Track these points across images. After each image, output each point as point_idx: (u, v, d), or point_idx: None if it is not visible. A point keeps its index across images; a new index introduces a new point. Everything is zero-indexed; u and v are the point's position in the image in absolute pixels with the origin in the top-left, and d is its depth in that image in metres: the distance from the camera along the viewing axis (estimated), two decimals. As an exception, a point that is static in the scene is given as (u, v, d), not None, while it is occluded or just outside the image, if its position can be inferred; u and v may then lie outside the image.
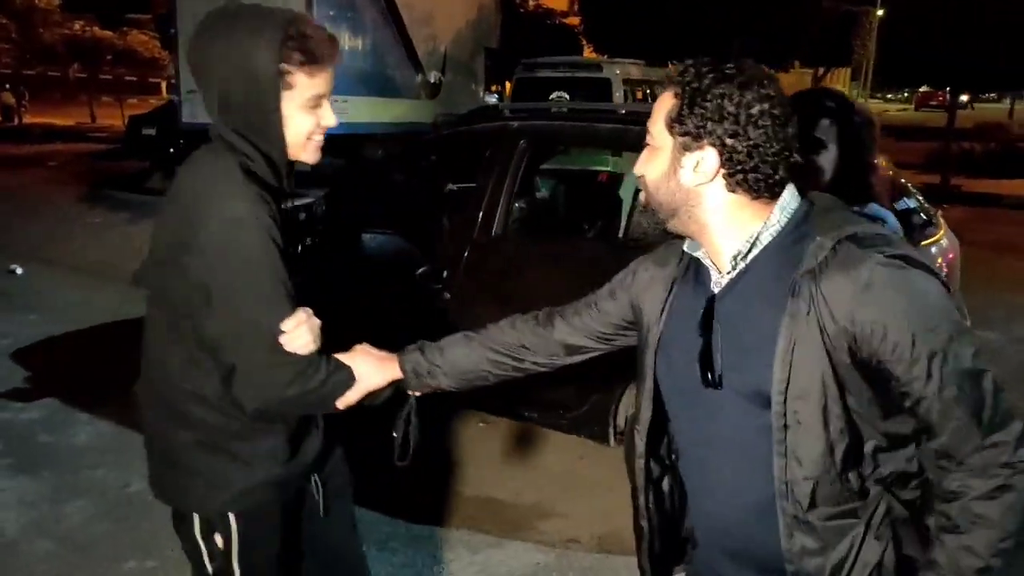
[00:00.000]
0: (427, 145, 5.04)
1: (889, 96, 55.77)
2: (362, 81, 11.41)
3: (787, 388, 1.29)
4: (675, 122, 1.34)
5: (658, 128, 1.39)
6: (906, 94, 44.13)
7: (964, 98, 25.24)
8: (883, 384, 1.28)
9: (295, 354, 1.58)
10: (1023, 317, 6.72)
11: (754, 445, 1.34)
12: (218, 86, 1.58)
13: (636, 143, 3.99)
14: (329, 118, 1.67)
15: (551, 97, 12.06)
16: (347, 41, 11.39)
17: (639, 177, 1.46)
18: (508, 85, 15.50)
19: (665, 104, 1.37)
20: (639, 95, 12.47)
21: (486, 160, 3.94)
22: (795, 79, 24.35)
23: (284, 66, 1.57)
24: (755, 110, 1.30)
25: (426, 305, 3.90)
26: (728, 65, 1.33)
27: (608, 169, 6.77)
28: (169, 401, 1.67)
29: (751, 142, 1.31)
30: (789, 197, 1.38)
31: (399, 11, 12.06)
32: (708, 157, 1.34)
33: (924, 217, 3.95)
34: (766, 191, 1.35)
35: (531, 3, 24.12)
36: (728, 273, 1.40)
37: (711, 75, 1.31)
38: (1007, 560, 1.25)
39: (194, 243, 1.53)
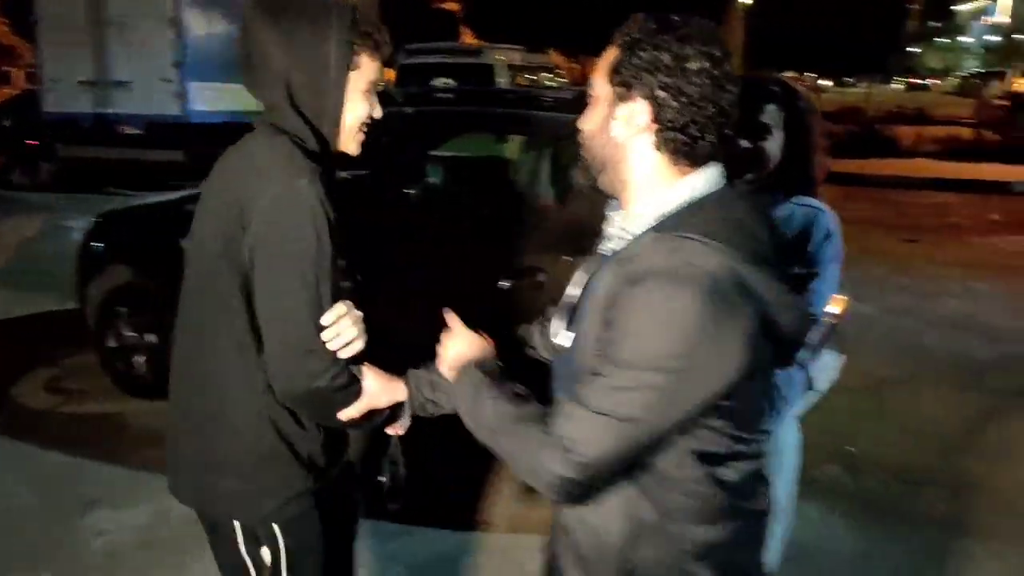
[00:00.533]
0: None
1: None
2: (237, 68, 11.03)
3: (579, 361, 1.32)
4: (614, 72, 1.31)
5: (599, 79, 1.35)
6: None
7: (828, 83, 26.68)
8: None
9: (328, 346, 1.54)
10: (892, 289, 7.17)
11: None
12: (282, 68, 1.55)
13: (531, 127, 4.06)
14: (378, 109, 1.65)
15: (433, 83, 12.04)
16: (219, 26, 11.01)
17: (580, 131, 1.42)
18: (388, 71, 15.25)
19: (607, 56, 1.34)
20: (521, 81, 12.59)
21: (381, 147, 3.88)
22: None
23: (356, 45, 1.57)
24: (691, 65, 1.25)
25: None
26: (674, 17, 1.28)
27: (498, 155, 6.79)
28: (217, 399, 1.60)
29: (684, 98, 1.26)
30: (701, 182, 1.32)
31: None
32: (639, 109, 1.29)
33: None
34: (686, 156, 1.30)
35: (409, -12, 23.89)
36: (618, 239, 1.38)
37: (653, 26, 1.28)
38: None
39: (248, 217, 1.50)
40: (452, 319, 1.61)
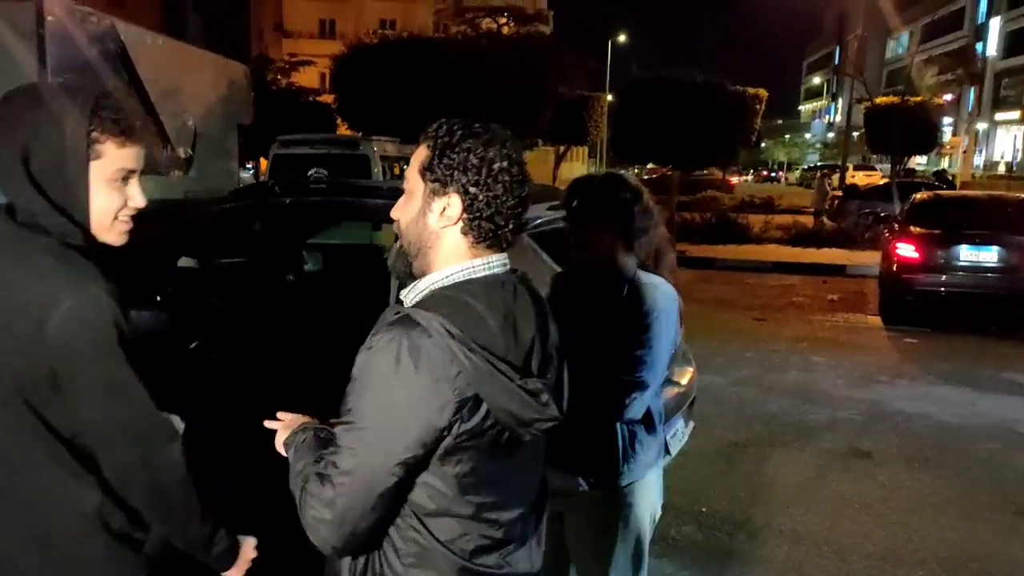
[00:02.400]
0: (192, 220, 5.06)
1: (622, 172, 60.93)
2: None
3: None
4: (427, 170, 1.48)
5: (413, 175, 1.52)
6: (637, 169, 48.83)
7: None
8: None
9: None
10: (739, 362, 7.76)
11: None
12: (22, 154, 1.49)
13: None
14: (138, 198, 1.60)
15: (309, 173, 12.25)
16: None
17: (395, 221, 1.58)
18: (263, 162, 15.27)
19: (420, 155, 1.52)
20: (396, 171, 12.96)
21: (260, 234, 4.08)
22: (539, 156, 26.10)
23: (94, 133, 1.52)
24: (496, 166, 1.46)
25: (198, 375, 3.94)
26: (476, 125, 1.49)
27: (371, 242, 7.05)
28: (42, 524, 1.53)
29: (491, 193, 1.46)
30: (481, 263, 1.50)
31: (143, 85, 11.73)
32: (453, 203, 1.47)
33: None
34: (489, 240, 1.50)
35: (283, 81, 24.19)
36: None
37: (459, 131, 1.48)
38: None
39: (43, 334, 1.44)
40: (282, 414, 1.72)
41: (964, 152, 46.21)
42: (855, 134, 34.93)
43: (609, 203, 2.47)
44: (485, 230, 1.49)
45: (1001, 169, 49.95)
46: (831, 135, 65.50)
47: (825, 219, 20.64)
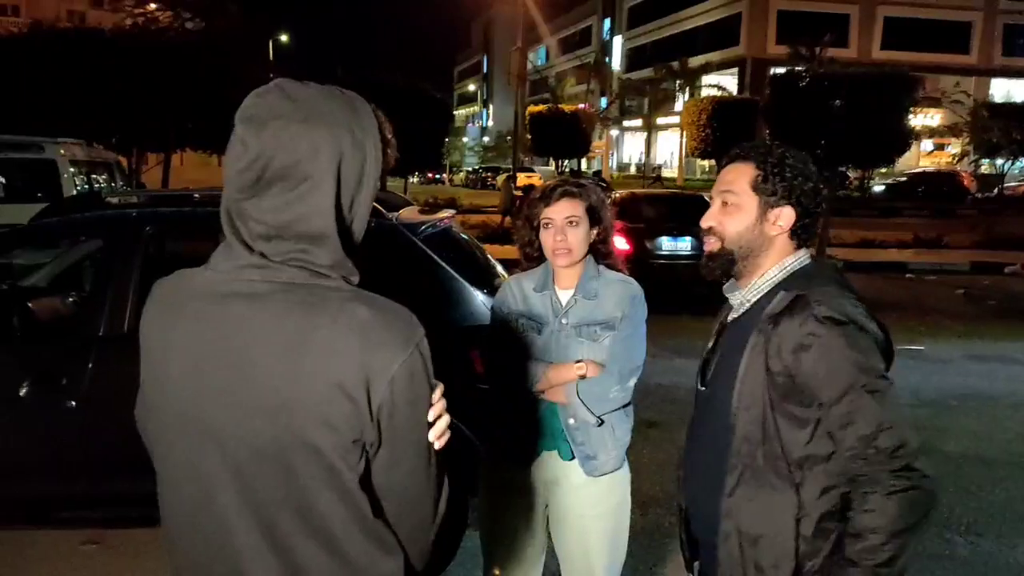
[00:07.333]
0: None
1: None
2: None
3: (739, 400, 1.75)
4: (762, 184, 1.81)
5: (743, 189, 1.83)
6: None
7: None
8: (807, 411, 1.69)
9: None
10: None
11: (719, 437, 1.79)
12: (336, 181, 1.25)
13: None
14: None
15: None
16: None
17: (709, 227, 1.88)
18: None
19: (746, 173, 1.83)
20: (88, 176, 11.61)
21: (104, 251, 3.61)
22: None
23: (386, 149, 1.34)
24: (816, 180, 1.83)
25: (46, 419, 3.42)
26: (790, 150, 1.83)
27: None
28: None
29: (813, 203, 1.82)
30: (805, 255, 1.87)
31: None
32: (786, 213, 1.82)
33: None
34: (807, 240, 1.87)
35: None
36: (741, 306, 1.90)
37: (780, 151, 1.83)
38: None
39: (362, 401, 1.22)
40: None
41: (602, 155, 52.02)
42: (508, 139, 37.53)
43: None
44: (811, 233, 1.86)
45: (632, 169, 56.99)
46: (486, 139, 69.84)
47: (508, 218, 21.98)
